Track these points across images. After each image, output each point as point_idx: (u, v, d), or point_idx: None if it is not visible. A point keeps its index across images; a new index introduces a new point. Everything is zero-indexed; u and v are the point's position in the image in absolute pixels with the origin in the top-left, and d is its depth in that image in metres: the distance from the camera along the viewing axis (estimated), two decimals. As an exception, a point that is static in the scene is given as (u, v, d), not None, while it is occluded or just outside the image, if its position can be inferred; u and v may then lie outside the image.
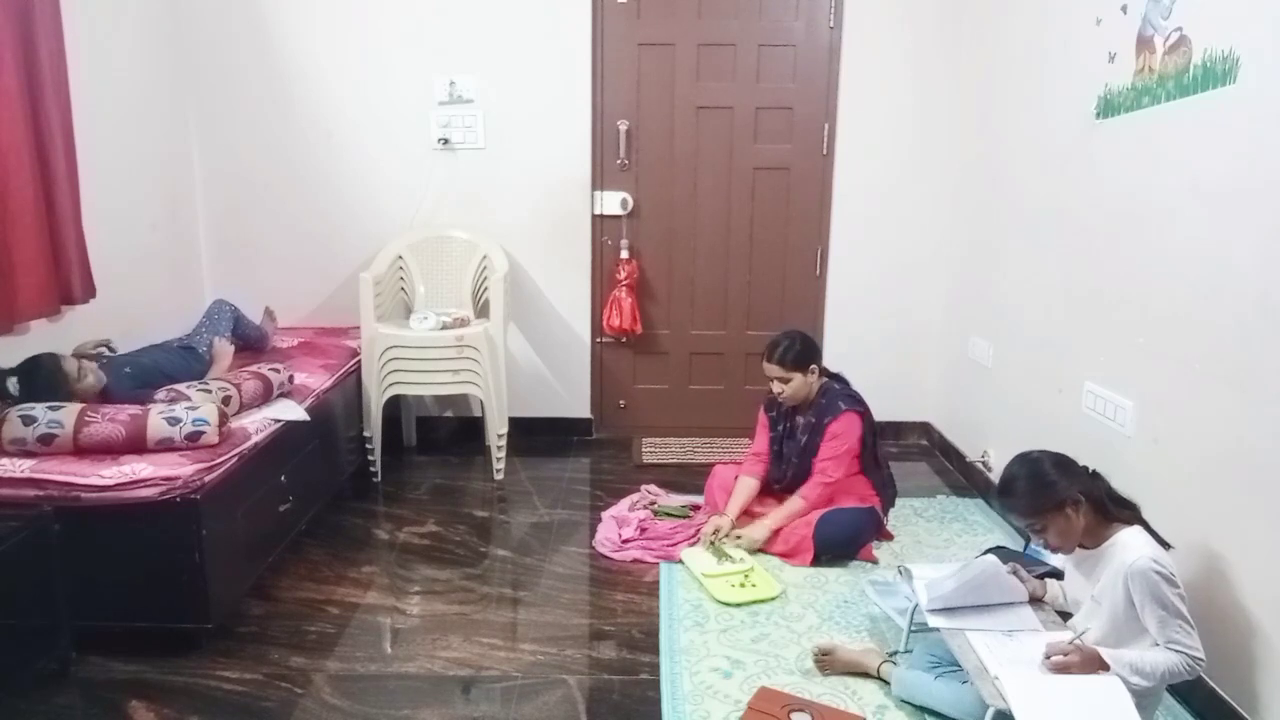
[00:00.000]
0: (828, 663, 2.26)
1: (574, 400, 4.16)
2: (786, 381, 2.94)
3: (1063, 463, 2.02)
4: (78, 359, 2.61)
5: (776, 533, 2.89)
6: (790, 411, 3.07)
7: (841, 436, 2.90)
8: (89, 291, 2.98)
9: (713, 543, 2.86)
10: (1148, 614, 1.86)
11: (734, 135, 3.96)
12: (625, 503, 3.29)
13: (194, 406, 2.46)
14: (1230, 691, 2.02)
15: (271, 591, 2.69)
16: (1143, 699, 1.85)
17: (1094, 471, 2.06)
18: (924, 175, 3.93)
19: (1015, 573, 2.23)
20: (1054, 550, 2.06)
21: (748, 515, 3.01)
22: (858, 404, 2.97)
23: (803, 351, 2.95)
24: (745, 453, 3.19)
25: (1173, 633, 1.84)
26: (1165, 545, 1.95)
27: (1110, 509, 1.99)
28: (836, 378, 3.08)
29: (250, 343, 3.46)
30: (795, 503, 2.91)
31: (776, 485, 3.09)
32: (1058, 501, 1.95)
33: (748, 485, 3.05)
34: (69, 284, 2.88)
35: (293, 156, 3.88)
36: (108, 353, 2.89)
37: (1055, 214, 2.94)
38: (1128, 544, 1.92)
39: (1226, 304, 2.05)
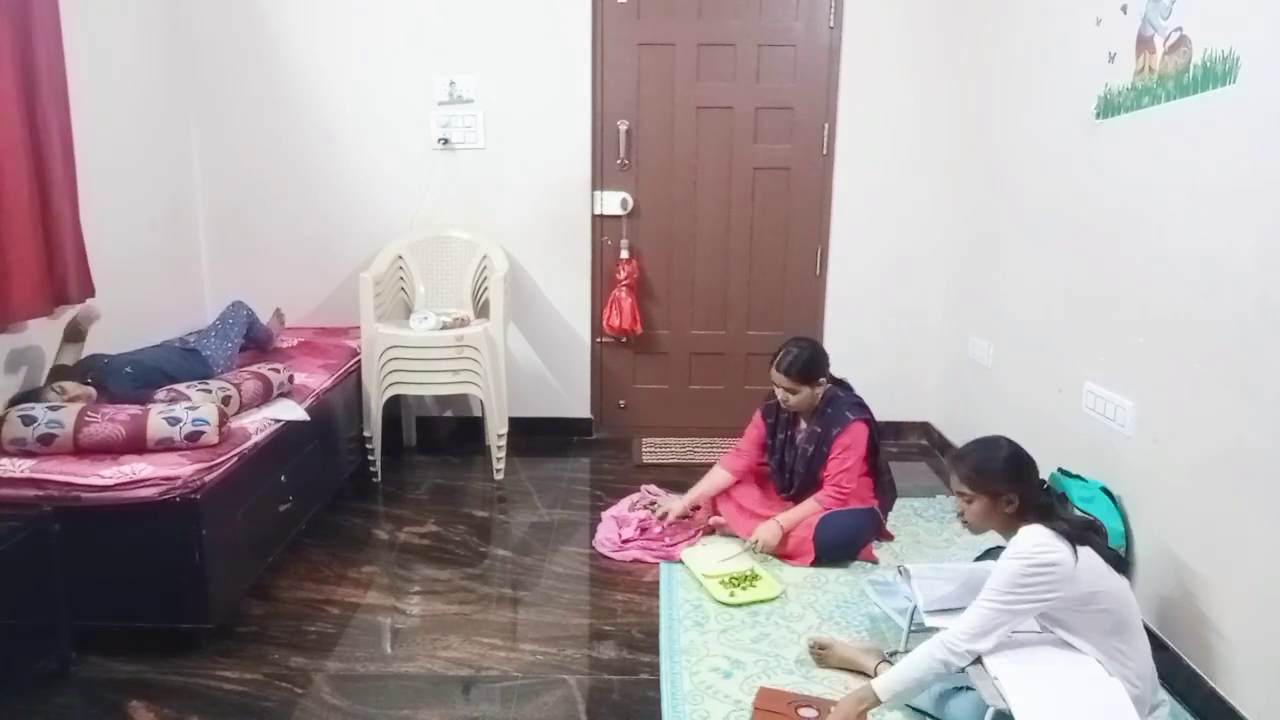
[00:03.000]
0: (823, 657, 2.27)
1: (574, 400, 4.16)
2: (793, 393, 2.92)
3: (1021, 461, 2.04)
4: (60, 390, 2.54)
5: (787, 534, 2.88)
6: (791, 419, 3.06)
7: (851, 448, 2.88)
8: (86, 291, 2.96)
9: (655, 511, 3.06)
10: (989, 580, 1.89)
11: (734, 135, 3.97)
12: (625, 503, 3.30)
13: (194, 406, 2.47)
14: (1230, 691, 2.02)
15: (271, 591, 2.69)
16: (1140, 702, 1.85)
17: (1048, 488, 2.09)
18: (924, 175, 3.93)
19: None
20: (964, 524, 2.10)
21: (755, 517, 2.99)
22: (863, 411, 2.96)
23: (811, 362, 2.92)
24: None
25: (982, 605, 1.87)
26: (1122, 564, 1.97)
27: (1035, 519, 1.95)
28: (840, 383, 3.06)
29: (257, 344, 3.46)
30: (810, 505, 2.90)
31: (784, 494, 3.08)
32: (995, 489, 2.00)
33: (719, 475, 3.09)
34: (64, 284, 2.86)
35: (293, 156, 3.88)
36: (104, 355, 2.87)
37: (1055, 214, 2.94)
38: (1015, 539, 1.93)
39: (1226, 304, 2.05)
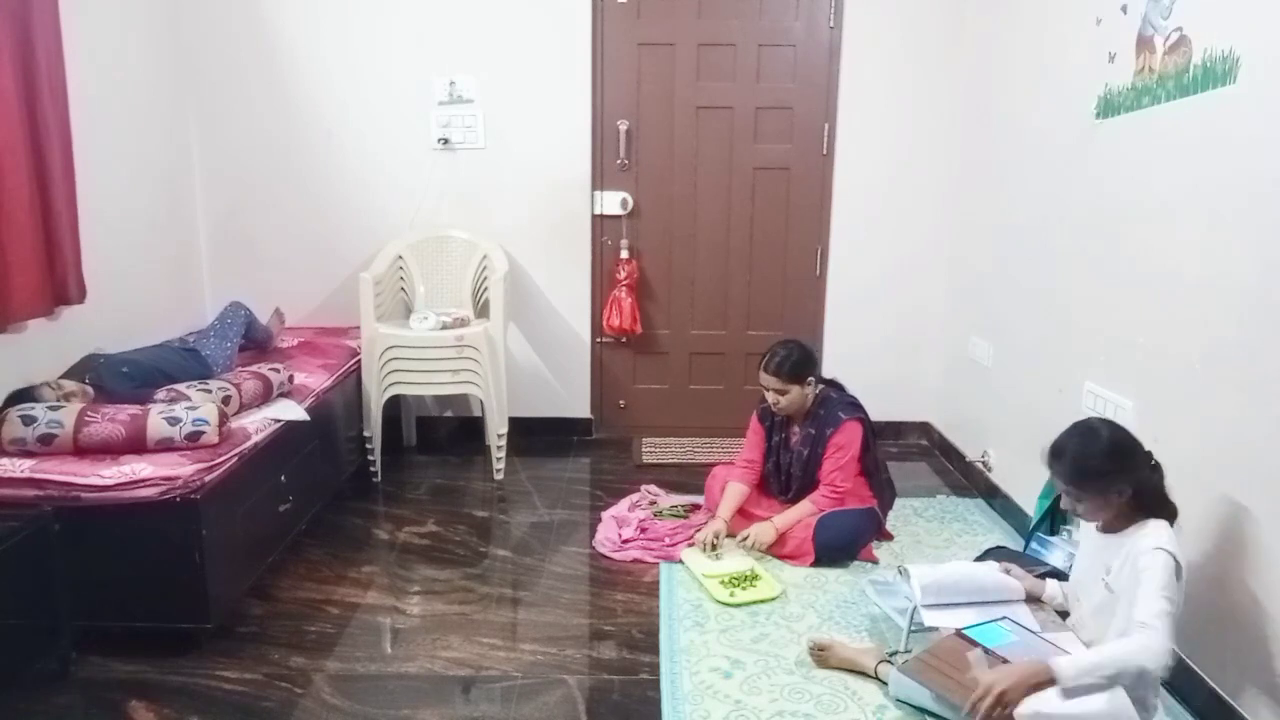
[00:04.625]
0: (823, 658, 2.26)
1: (574, 400, 4.16)
2: (783, 393, 2.90)
3: (1123, 448, 1.94)
4: (57, 386, 2.54)
5: (783, 535, 2.87)
6: (786, 421, 3.05)
7: (845, 447, 2.88)
8: (85, 292, 2.96)
9: (714, 546, 2.84)
10: (1141, 590, 1.79)
11: (734, 135, 3.97)
12: (625, 503, 3.30)
13: (194, 406, 2.46)
14: (1230, 691, 2.02)
15: (271, 591, 2.69)
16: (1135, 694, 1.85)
17: (1155, 463, 1.98)
18: (924, 175, 3.93)
19: (1009, 573, 2.24)
20: (1080, 517, 2.03)
21: (755, 519, 2.97)
22: (857, 410, 2.96)
23: (800, 362, 2.91)
24: (736, 458, 3.14)
25: (1153, 613, 1.76)
26: None
27: (1152, 506, 1.94)
28: (833, 384, 3.06)
29: (256, 343, 3.46)
30: (805, 506, 2.90)
31: (781, 498, 3.07)
32: (1099, 487, 1.92)
33: (738, 490, 3.01)
34: (64, 285, 2.86)
35: (293, 156, 3.88)
36: (101, 355, 2.87)
37: (1055, 214, 2.94)
38: (1149, 532, 1.89)
39: (1226, 304, 2.05)
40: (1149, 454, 1.98)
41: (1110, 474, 1.91)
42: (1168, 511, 1.95)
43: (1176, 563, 1.83)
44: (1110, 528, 1.98)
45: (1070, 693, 1.78)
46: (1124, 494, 1.92)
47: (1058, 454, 1.98)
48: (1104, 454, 1.92)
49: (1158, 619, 1.75)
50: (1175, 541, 1.89)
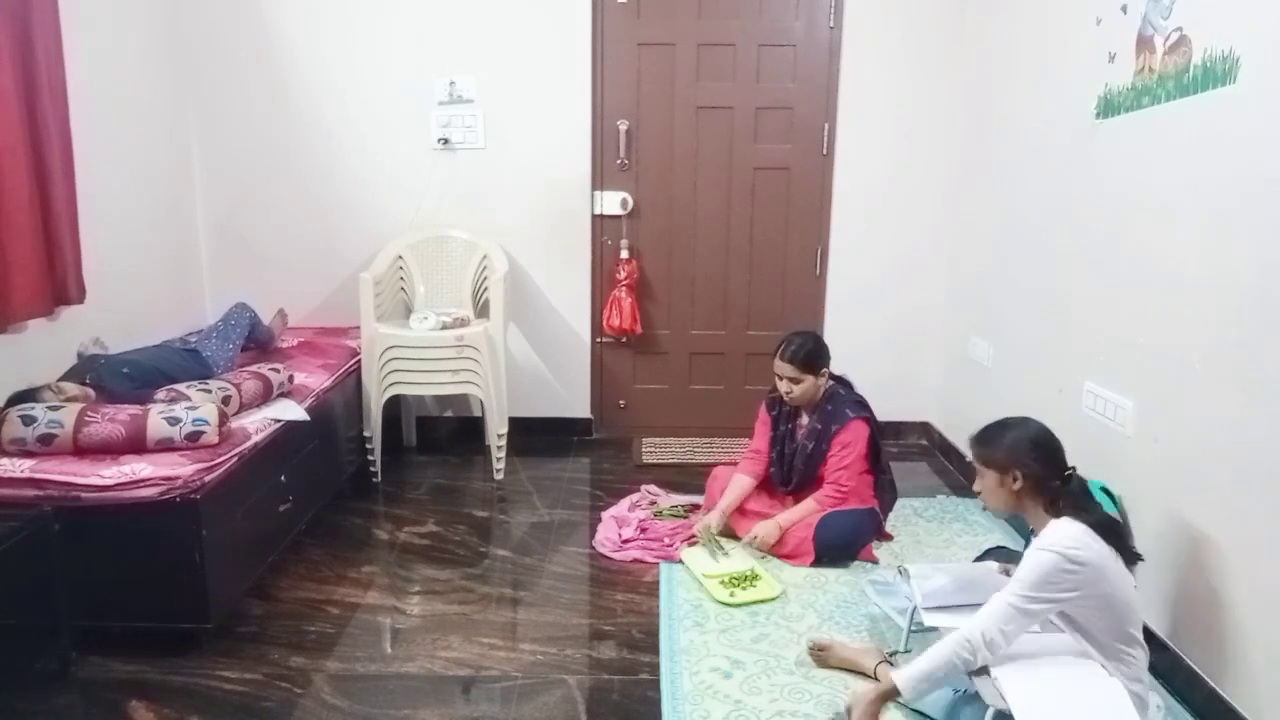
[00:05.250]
0: (822, 658, 2.27)
1: (574, 400, 4.16)
2: (797, 382, 2.92)
3: (1043, 444, 2.00)
4: (58, 390, 2.53)
5: (783, 534, 2.87)
6: (793, 412, 3.07)
7: (851, 445, 2.89)
8: (84, 292, 2.96)
9: (711, 539, 2.88)
10: (1017, 573, 1.85)
11: (734, 135, 3.97)
12: (625, 503, 3.30)
13: (194, 406, 2.46)
14: (1230, 691, 2.02)
15: (271, 591, 2.69)
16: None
17: (1071, 474, 1.99)
18: (924, 175, 3.93)
19: (1009, 573, 2.23)
20: (980, 497, 2.10)
21: (754, 515, 2.99)
22: (864, 409, 2.97)
23: (815, 353, 2.94)
24: (743, 449, 3.19)
25: (991, 607, 1.83)
26: (1135, 558, 1.95)
27: (1056, 507, 1.95)
28: (841, 381, 3.07)
29: (258, 344, 3.45)
30: (809, 504, 2.91)
31: (782, 488, 3.09)
32: (1000, 464, 1.99)
33: (742, 483, 3.03)
34: (64, 285, 2.86)
35: (293, 156, 3.88)
36: (101, 355, 2.86)
37: (1055, 214, 2.94)
38: (1047, 532, 1.90)
39: (1226, 304, 2.05)
40: (1069, 466, 2.01)
41: (1017, 454, 1.97)
42: (1099, 520, 1.92)
43: (1069, 563, 1.81)
44: (1033, 526, 2.01)
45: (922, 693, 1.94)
46: (1017, 481, 1.97)
47: (985, 433, 2.07)
48: (1016, 437, 2.00)
49: (991, 613, 1.82)
50: (1075, 542, 1.83)
